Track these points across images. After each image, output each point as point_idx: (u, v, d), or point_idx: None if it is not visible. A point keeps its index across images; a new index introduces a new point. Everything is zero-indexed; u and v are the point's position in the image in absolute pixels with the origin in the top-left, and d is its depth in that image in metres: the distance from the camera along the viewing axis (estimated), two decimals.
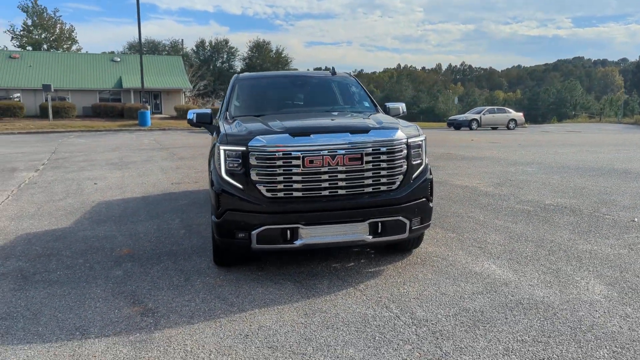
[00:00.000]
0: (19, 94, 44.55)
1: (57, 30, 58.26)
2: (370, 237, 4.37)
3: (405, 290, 4.21)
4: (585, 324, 3.51)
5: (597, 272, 4.58)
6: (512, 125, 35.53)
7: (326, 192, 4.27)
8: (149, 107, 39.97)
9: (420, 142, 4.65)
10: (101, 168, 12.99)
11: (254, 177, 4.23)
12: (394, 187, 4.43)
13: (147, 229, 6.49)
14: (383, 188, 4.39)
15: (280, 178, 4.20)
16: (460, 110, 64.37)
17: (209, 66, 59.39)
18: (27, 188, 9.95)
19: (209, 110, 5.67)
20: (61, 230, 6.54)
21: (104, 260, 5.22)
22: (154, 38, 78.17)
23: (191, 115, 5.57)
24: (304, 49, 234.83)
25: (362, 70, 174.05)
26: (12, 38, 56.97)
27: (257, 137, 4.26)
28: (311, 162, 4.18)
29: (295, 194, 4.23)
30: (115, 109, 42.87)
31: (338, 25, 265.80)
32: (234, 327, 3.60)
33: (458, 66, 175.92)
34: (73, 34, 59.68)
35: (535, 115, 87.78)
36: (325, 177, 4.23)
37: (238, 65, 64.41)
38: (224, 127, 4.78)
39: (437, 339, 3.35)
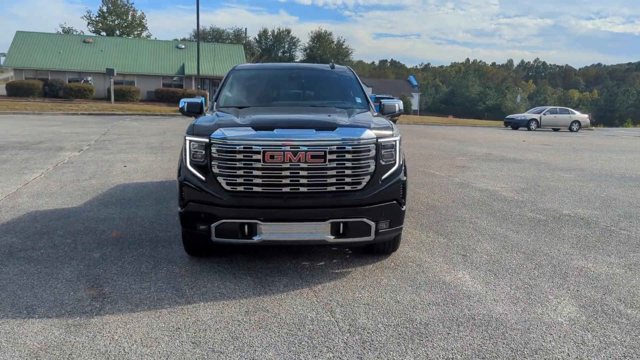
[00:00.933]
0: (90, 77, 47.01)
1: (129, 17, 60.98)
2: (332, 237, 4.25)
3: (359, 295, 4.07)
4: (530, 348, 3.25)
5: (577, 291, 4.23)
6: (575, 127, 33.61)
7: (287, 189, 4.18)
8: (207, 93, 41.10)
9: (393, 143, 4.46)
10: (139, 151, 13.48)
11: (215, 169, 4.21)
12: (359, 187, 4.28)
13: (146, 214, 6.65)
14: (347, 188, 4.25)
15: (241, 172, 4.16)
16: (528, 108, 61.72)
17: (270, 55, 60.20)
18: (61, 167, 10.48)
19: (199, 100, 5.71)
20: (68, 210, 6.83)
21: (90, 242, 5.40)
22: (219, 26, 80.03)
23: (182, 103, 5.63)
24: (372, 40, 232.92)
25: (428, 63, 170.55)
26: (89, 23, 60.30)
27: (220, 129, 4.24)
28: (272, 157, 4.11)
29: (255, 189, 4.18)
30: (175, 95, 44.36)
31: (408, 17, 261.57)
32: (171, 319, 3.61)
33: (531, 62, 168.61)
34: (143, 21, 62.29)
35: (612, 117, 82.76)
36: (287, 173, 4.15)
37: (299, 55, 65.04)
38: (200, 118, 4.79)
39: (364, 349, 3.22)
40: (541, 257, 5.14)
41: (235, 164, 4.15)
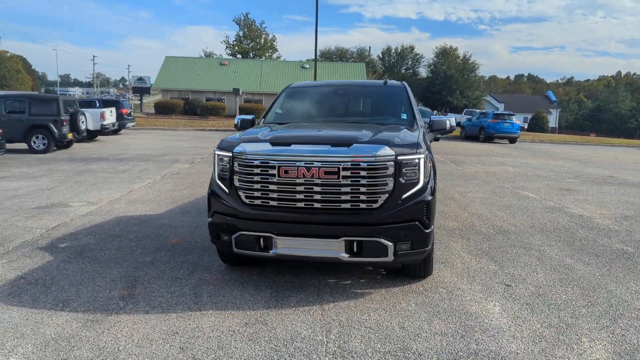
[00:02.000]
0: (224, 96, 51.02)
1: (262, 40, 65.19)
2: (347, 255, 4.17)
3: (366, 318, 3.92)
4: None
5: (622, 336, 3.65)
6: None
7: (302, 204, 4.20)
8: None
9: (416, 161, 4.25)
10: None
11: (236, 182, 4.37)
12: (375, 205, 4.14)
13: None
14: (363, 206, 4.14)
15: (258, 186, 4.27)
16: None
17: (392, 72, 60.27)
18: (167, 177, 11.51)
19: (251, 117, 5.96)
20: (150, 216, 7.49)
21: (150, 246, 5.88)
22: (342, 46, 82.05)
23: (237, 120, 5.92)
24: (508, 54, 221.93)
25: (571, 77, 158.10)
26: (226, 47, 65.50)
27: (242, 144, 4.40)
28: (286, 172, 4.16)
29: (271, 203, 4.26)
30: None
31: (550, 28, 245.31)
32: (175, 323, 3.81)
33: None
34: (274, 43, 66.19)
35: None
36: (301, 188, 4.17)
37: (422, 71, 64.22)
38: (234, 134, 5.00)
39: None
40: (601, 294, 4.51)
41: (253, 178, 4.27)
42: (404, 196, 4.21)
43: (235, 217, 4.36)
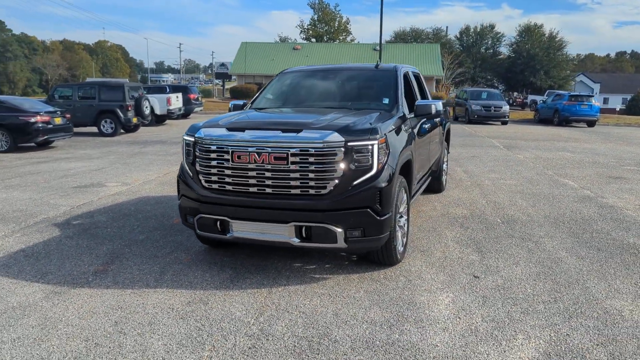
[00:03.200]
0: None
1: (336, 24, 65.00)
2: (297, 240, 4.20)
3: (305, 303, 3.95)
4: None
5: (566, 336, 3.40)
6: None
7: (254, 189, 4.27)
8: None
9: (369, 147, 4.16)
10: None
11: (197, 167, 4.52)
12: (323, 191, 4.12)
13: None
14: (312, 191, 4.14)
15: (214, 170, 4.39)
16: None
17: (470, 52, 57.74)
18: None
19: (242, 102, 6.07)
20: (169, 197, 7.85)
21: (150, 225, 6.22)
22: (418, 26, 79.67)
23: (231, 105, 6.06)
24: (612, 30, 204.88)
25: None
26: (301, 32, 66.06)
27: (202, 129, 4.52)
28: (239, 157, 4.25)
29: (227, 187, 4.36)
30: None
31: None
32: (126, 299, 4.04)
33: None
34: (348, 26, 65.76)
35: None
36: (253, 174, 4.24)
37: (503, 50, 60.96)
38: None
39: (245, 354, 3.18)
40: (574, 290, 4.20)
41: (210, 162, 4.40)
42: (355, 182, 4.15)
43: (197, 201, 4.52)
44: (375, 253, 4.61)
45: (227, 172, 4.33)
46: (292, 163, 4.12)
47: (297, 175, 4.14)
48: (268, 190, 4.23)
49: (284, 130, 4.23)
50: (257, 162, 4.19)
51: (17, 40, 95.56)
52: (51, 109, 14.49)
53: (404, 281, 4.38)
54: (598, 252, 5.19)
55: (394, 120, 4.85)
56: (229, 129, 4.40)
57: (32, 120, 13.37)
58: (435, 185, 7.96)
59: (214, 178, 4.41)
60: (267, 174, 4.20)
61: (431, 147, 6.58)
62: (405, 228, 5.02)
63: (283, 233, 4.22)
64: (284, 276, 4.52)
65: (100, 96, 18.06)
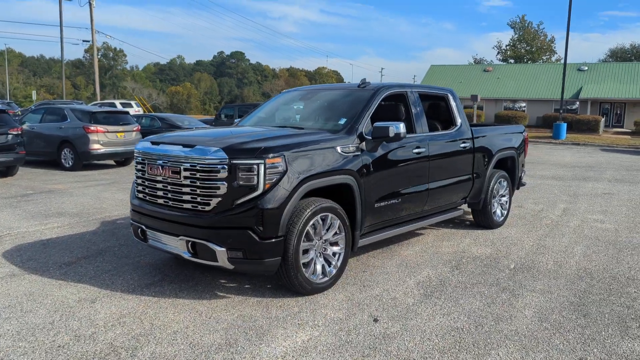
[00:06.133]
0: (483, 104, 49.29)
1: (538, 43, 60.14)
2: (188, 255, 4.26)
3: (163, 316, 3.97)
4: None
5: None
6: None
7: (161, 201, 4.47)
8: (601, 118, 37.04)
9: (254, 167, 4.01)
10: None
11: (135, 175, 4.89)
12: (207, 208, 4.12)
13: None
14: (199, 207, 4.17)
15: (139, 180, 4.72)
16: None
17: None
18: None
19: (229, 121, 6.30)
20: None
21: None
22: None
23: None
24: None
25: None
26: (498, 53, 62.88)
27: (140, 142, 4.88)
28: (151, 169, 4.51)
29: (146, 197, 4.64)
30: (566, 119, 41.19)
31: None
32: (44, 288, 4.56)
33: None
34: (552, 45, 60.20)
35: None
36: (160, 185, 4.45)
37: None
38: None
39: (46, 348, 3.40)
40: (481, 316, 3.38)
41: (137, 173, 4.75)
42: (238, 202, 4.05)
43: (132, 208, 4.91)
44: (280, 277, 4.35)
45: (145, 182, 4.61)
46: (185, 178, 4.22)
47: (188, 190, 4.22)
48: (170, 202, 4.39)
49: (184, 146, 4.35)
50: (162, 174, 4.39)
51: (252, 69, 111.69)
52: (203, 125, 16.62)
53: (282, 315, 4.05)
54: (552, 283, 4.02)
55: (316, 140, 4.56)
56: (152, 143, 4.68)
57: None
58: (480, 218, 7.00)
59: (139, 187, 4.73)
60: (168, 187, 4.36)
61: (435, 172, 5.80)
62: (339, 259, 4.62)
63: (177, 246, 4.32)
64: (193, 287, 4.59)
65: None
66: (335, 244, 4.64)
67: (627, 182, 12.41)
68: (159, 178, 4.42)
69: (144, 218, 4.65)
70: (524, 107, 47.11)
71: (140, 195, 4.73)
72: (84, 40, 45.39)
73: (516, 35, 62.14)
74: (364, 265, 5.34)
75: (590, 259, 5.74)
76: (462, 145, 6.24)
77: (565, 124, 29.60)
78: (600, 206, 8.99)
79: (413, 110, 5.68)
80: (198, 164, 4.13)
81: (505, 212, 7.35)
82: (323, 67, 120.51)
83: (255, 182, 4.03)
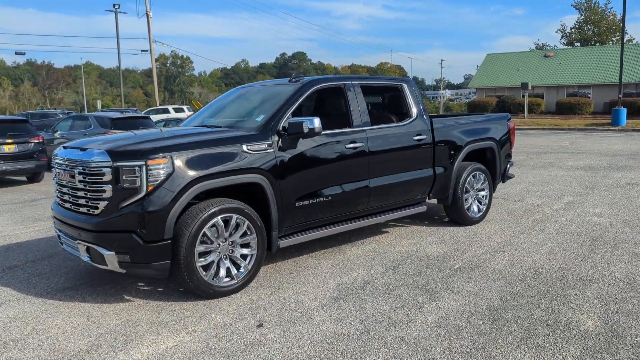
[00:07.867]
0: (543, 91, 46.73)
1: (606, 23, 56.05)
2: (87, 258, 4.26)
3: (52, 320, 3.98)
4: None
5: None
6: None
7: (68, 205, 4.51)
8: None
9: (136, 169, 3.94)
10: None
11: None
12: (96, 211, 4.12)
13: None
14: (90, 211, 4.17)
15: (55, 186, 4.79)
16: None
17: None
18: None
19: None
20: None
21: None
22: None
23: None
24: None
25: None
26: (562, 37, 59.25)
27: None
28: (58, 173, 4.57)
29: (60, 202, 4.71)
30: (635, 105, 38.18)
31: None
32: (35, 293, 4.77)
33: None
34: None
35: None
36: (65, 190, 4.50)
37: None
38: None
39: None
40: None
41: (53, 178, 4.83)
42: (123, 205, 4.01)
43: (52, 214, 5.00)
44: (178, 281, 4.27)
45: (56, 187, 4.69)
46: (79, 181, 4.23)
47: (81, 193, 4.23)
48: (72, 207, 4.42)
49: (80, 150, 4.36)
50: (65, 179, 4.44)
51: (314, 68, 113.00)
52: None
53: (168, 319, 3.95)
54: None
55: (217, 138, 4.42)
56: (64, 147, 4.73)
57: None
58: (452, 214, 6.55)
59: (56, 193, 4.80)
60: (70, 191, 4.40)
61: (378, 168, 5.45)
62: (250, 261, 4.47)
63: (78, 250, 4.33)
64: (106, 293, 4.59)
65: None
66: (246, 245, 4.48)
67: None
68: (64, 182, 4.47)
69: (57, 223, 4.71)
70: (589, 93, 44.15)
71: (58, 201, 4.80)
72: (142, 50, 47.66)
73: (582, 17, 58.31)
74: (295, 266, 5.13)
75: (554, 257, 5.20)
76: (417, 137, 5.85)
77: (625, 110, 27.33)
78: (611, 198, 8.17)
79: (351, 104, 5.39)
80: (86, 167, 4.14)
81: (484, 208, 6.83)
82: (385, 62, 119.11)
83: (137, 184, 3.97)
